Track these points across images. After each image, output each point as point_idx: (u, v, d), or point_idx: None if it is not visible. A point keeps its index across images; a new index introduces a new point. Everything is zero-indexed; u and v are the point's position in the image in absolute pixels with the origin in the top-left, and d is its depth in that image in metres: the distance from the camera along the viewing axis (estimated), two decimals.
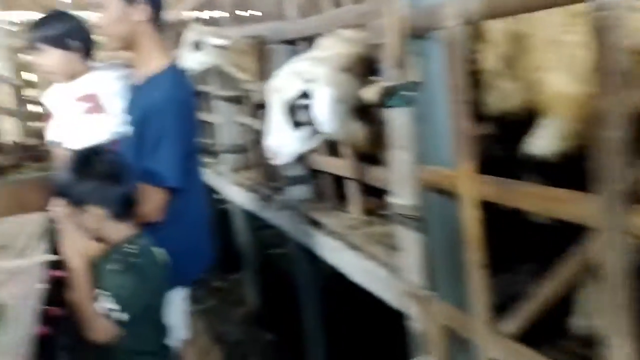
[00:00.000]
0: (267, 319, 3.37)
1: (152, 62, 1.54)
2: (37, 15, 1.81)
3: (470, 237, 1.15)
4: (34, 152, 4.46)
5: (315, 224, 2.20)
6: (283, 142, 1.53)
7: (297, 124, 1.53)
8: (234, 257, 3.64)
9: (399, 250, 1.55)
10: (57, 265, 1.43)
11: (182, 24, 4.38)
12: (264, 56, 2.44)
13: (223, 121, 3.38)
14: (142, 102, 1.51)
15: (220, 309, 3.60)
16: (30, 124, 5.78)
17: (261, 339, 3.22)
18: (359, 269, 1.83)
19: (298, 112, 1.52)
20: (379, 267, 1.72)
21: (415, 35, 1.20)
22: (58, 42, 1.64)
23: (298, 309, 2.66)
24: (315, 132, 1.55)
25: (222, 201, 4.03)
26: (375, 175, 1.81)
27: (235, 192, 3.30)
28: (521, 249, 1.62)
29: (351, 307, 2.89)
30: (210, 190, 4.02)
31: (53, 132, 1.78)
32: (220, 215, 4.12)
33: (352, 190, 2.02)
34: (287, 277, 3.61)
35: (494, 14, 1.05)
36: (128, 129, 1.60)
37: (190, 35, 2.75)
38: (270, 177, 2.79)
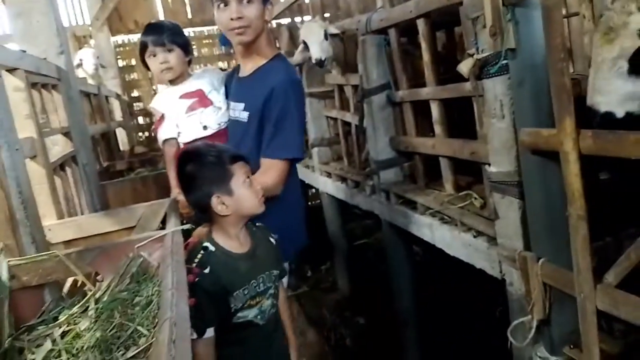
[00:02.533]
0: (358, 304, 3.49)
1: (263, 56, 1.73)
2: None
3: (573, 193, 1.18)
4: (142, 158, 4.97)
5: (409, 204, 2.29)
6: None
7: None
8: (324, 248, 3.81)
9: (497, 219, 1.60)
10: (188, 234, 1.64)
11: (272, 31, 4.71)
12: (354, 49, 2.57)
13: (310, 117, 3.57)
14: (258, 89, 1.69)
15: (313, 295, 3.78)
16: (139, 133, 6.44)
17: (354, 323, 3.35)
18: (456, 243, 1.89)
19: None
20: (477, 238, 1.78)
21: (511, 3, 1.27)
22: (183, 44, 1.89)
23: (388, 294, 2.74)
24: None
25: (313, 196, 4.23)
26: (468, 149, 1.87)
27: (325, 183, 3.47)
28: (620, 215, 1.60)
29: (444, 288, 2.93)
30: (306, 185, 4.24)
31: (166, 130, 2.00)
32: (311, 209, 4.33)
33: (445, 168, 2.08)
34: (376, 265, 3.72)
35: None
36: (241, 115, 1.80)
37: (317, 26, 2.81)
38: (360, 165, 2.92)
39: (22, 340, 1.35)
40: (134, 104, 6.72)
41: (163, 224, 2.06)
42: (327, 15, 4.00)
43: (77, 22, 6.82)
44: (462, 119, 2.06)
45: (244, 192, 1.42)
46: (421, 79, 2.20)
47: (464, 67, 1.49)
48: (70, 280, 1.58)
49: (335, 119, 3.36)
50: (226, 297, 1.42)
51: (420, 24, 2.00)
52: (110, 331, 1.15)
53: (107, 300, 1.32)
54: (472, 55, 1.46)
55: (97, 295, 1.41)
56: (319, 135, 3.52)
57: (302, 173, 3.99)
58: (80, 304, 1.42)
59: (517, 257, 1.47)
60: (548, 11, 1.14)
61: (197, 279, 1.40)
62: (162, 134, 1.97)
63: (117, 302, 1.30)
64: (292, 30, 4.48)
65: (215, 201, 1.40)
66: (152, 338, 1.03)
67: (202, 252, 1.44)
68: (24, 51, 2.43)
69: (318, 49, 2.67)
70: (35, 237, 1.73)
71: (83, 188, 2.68)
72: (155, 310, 1.18)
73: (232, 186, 1.41)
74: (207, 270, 1.40)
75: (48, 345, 1.24)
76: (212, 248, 1.45)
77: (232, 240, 1.48)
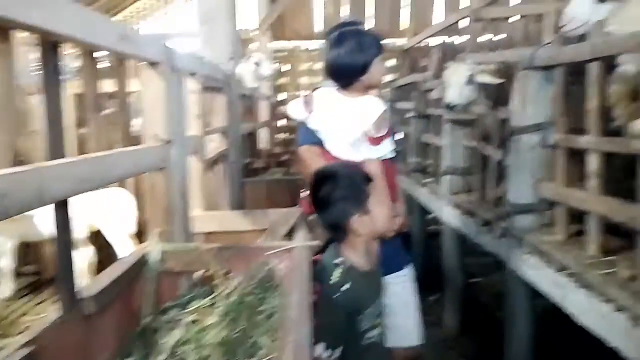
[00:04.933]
0: (464, 345, 3.31)
1: None
2: (298, 44, 2.21)
3: None
4: (279, 158, 5.31)
5: (541, 255, 2.12)
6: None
7: None
8: (437, 278, 3.69)
9: None
10: (315, 251, 1.72)
11: (421, 50, 4.70)
12: (509, 82, 2.46)
13: (448, 143, 3.48)
14: None
15: None
16: (277, 135, 6.91)
17: None
18: (591, 313, 1.71)
19: None
20: (618, 313, 1.58)
21: None
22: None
23: (499, 344, 2.56)
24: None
25: (434, 221, 4.12)
26: (623, 212, 1.67)
27: (451, 213, 3.36)
28: None
29: (566, 351, 2.65)
30: (424, 210, 4.16)
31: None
32: (430, 235, 4.21)
33: (593, 226, 1.89)
34: (489, 308, 3.49)
35: None
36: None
37: (463, 69, 2.73)
38: (493, 203, 2.78)
39: (158, 321, 1.54)
40: (278, 107, 7.21)
41: (291, 232, 2.20)
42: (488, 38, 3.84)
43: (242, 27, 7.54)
44: (615, 172, 1.86)
45: (380, 211, 1.46)
46: (580, 123, 2.02)
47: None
48: (201, 271, 1.76)
49: (471, 149, 3.24)
50: (359, 315, 1.48)
51: (594, 68, 1.84)
52: (235, 333, 1.26)
53: (236, 301, 1.45)
54: None
55: (226, 293, 1.56)
56: (453, 163, 3.43)
57: (426, 198, 3.91)
58: (211, 297, 1.58)
59: None
60: None
61: (336, 295, 1.46)
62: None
63: (243, 305, 1.42)
64: (446, 50, 4.41)
65: (354, 220, 1.46)
66: (272, 352, 1.12)
67: (340, 268, 1.50)
68: (203, 57, 2.75)
69: (455, 93, 2.60)
70: (185, 227, 1.97)
71: (227, 183, 2.97)
72: (277, 323, 1.27)
73: (369, 205, 1.46)
74: (346, 287, 1.47)
75: (179, 332, 1.40)
76: (347, 265, 1.51)
77: (361, 258, 1.53)
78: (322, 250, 1.68)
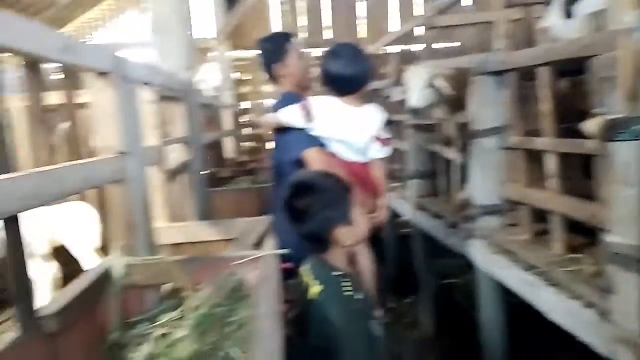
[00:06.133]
0: (441, 346, 3.34)
1: None
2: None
3: None
4: (246, 166, 5.25)
5: (509, 254, 2.16)
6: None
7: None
8: (409, 281, 3.72)
9: (611, 292, 1.46)
10: (283, 259, 1.69)
11: (379, 58, 4.78)
12: (464, 87, 2.51)
13: (412, 147, 3.52)
14: None
15: (394, 329, 3.69)
16: (242, 143, 6.84)
17: None
18: (560, 309, 1.75)
19: None
20: (585, 308, 1.62)
21: None
22: None
23: (475, 343, 2.60)
24: None
25: (403, 225, 4.15)
26: (586, 210, 1.73)
27: (419, 217, 3.39)
28: None
29: (539, 346, 2.71)
30: (394, 214, 4.19)
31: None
32: (402, 238, 4.25)
33: (556, 225, 1.94)
34: (462, 308, 3.54)
35: None
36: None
37: (418, 71, 2.79)
38: (459, 205, 2.82)
39: (126, 337, 1.48)
40: (242, 116, 7.14)
41: (260, 241, 2.16)
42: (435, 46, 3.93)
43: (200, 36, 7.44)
44: (573, 171, 1.92)
45: (361, 221, 1.45)
46: (535, 125, 2.09)
47: (591, 127, 1.38)
48: (168, 284, 1.70)
49: (434, 153, 3.29)
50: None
51: (544, 72, 1.90)
52: (207, 346, 1.21)
53: (205, 313, 1.40)
54: (597, 115, 1.36)
55: (195, 305, 1.50)
56: (417, 167, 3.47)
57: (395, 202, 3.94)
58: (179, 310, 1.53)
59: (632, 341, 1.32)
60: None
61: (355, 307, 1.44)
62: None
63: (213, 317, 1.37)
64: (404, 57, 4.49)
65: (338, 231, 1.43)
66: None
67: (345, 278, 1.47)
68: (158, 67, 2.69)
69: (416, 96, 2.66)
70: (149, 240, 1.90)
71: (192, 194, 2.89)
72: (247, 334, 1.23)
73: (352, 216, 1.44)
74: (359, 295, 1.45)
75: (148, 347, 1.34)
76: (350, 274, 1.50)
77: (347, 267, 1.52)
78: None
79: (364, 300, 1.46)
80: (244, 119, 6.98)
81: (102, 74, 1.64)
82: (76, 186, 1.41)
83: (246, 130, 6.98)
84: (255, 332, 1.10)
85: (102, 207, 2.94)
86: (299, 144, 1.97)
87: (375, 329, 1.48)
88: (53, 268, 2.76)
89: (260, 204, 3.67)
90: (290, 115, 2.01)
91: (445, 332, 3.42)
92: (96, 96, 1.67)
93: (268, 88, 7.10)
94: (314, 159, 1.94)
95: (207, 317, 1.37)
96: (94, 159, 1.62)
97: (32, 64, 1.72)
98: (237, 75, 7.08)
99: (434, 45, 4.18)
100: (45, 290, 2.57)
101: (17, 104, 2.94)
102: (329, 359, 1.35)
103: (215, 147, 4.99)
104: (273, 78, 2.23)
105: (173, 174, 2.59)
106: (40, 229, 2.58)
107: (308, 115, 2.00)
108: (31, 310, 1.16)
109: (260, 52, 2.24)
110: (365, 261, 1.75)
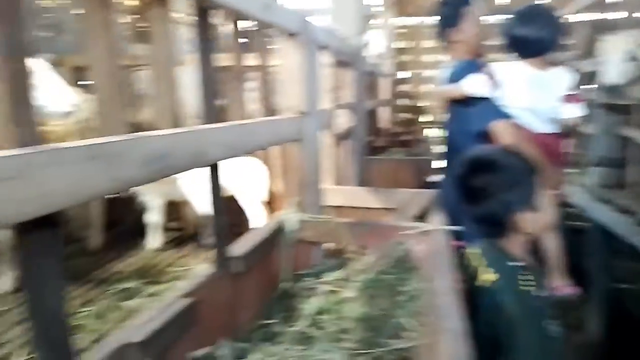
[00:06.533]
0: (607, 354, 2.98)
1: None
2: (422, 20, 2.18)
3: None
4: (400, 137, 5.18)
5: None
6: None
7: None
8: (579, 278, 3.34)
9: None
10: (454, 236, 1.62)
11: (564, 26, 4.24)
12: None
13: (600, 131, 3.09)
14: None
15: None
16: (398, 114, 6.76)
17: None
18: None
19: None
20: None
21: None
22: None
23: None
24: None
25: (574, 216, 3.73)
26: None
27: (599, 210, 2.99)
28: None
29: None
30: (565, 204, 3.77)
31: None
32: (571, 231, 3.83)
33: None
34: (636, 317, 3.08)
35: None
36: None
37: (617, 42, 2.57)
38: None
39: (295, 287, 1.57)
40: (399, 85, 7.00)
41: (422, 214, 2.11)
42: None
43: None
44: None
45: (546, 208, 1.30)
46: None
47: None
48: (331, 244, 1.76)
49: (627, 139, 2.83)
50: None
51: None
52: (380, 310, 1.22)
53: (373, 278, 1.41)
54: None
55: (360, 268, 1.53)
56: (603, 153, 3.03)
57: (568, 190, 3.53)
58: (343, 271, 1.57)
59: None
60: None
61: (537, 305, 1.34)
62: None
63: (382, 283, 1.37)
64: (595, 26, 3.91)
65: (520, 217, 1.30)
66: (421, 336, 1.06)
67: (524, 271, 1.36)
68: (335, 31, 2.73)
69: (613, 71, 2.30)
70: (317, 199, 1.98)
71: (353, 160, 2.94)
72: (421, 306, 1.20)
73: (536, 200, 1.30)
74: (545, 293, 1.33)
75: (317, 301, 1.40)
76: (532, 267, 1.38)
77: (526, 258, 1.39)
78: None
79: (543, 298, 1.30)
80: (401, 88, 6.84)
81: (292, 34, 1.71)
82: (267, 141, 1.51)
83: (402, 101, 6.84)
84: (432, 307, 1.06)
85: (268, 165, 3.12)
86: (484, 115, 1.80)
87: (553, 330, 1.33)
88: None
89: (415, 176, 3.60)
90: (476, 85, 1.84)
91: (613, 340, 3.03)
92: (285, 57, 1.76)
93: (429, 57, 6.83)
94: (503, 132, 1.75)
95: (375, 282, 1.38)
96: (280, 116, 1.72)
97: (234, 22, 1.90)
98: (399, 43, 6.91)
99: (637, 14, 3.56)
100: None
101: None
102: (499, 351, 1.25)
103: (371, 116, 5.00)
104: (447, 44, 2.09)
105: (339, 139, 2.65)
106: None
107: (493, 83, 1.84)
108: (224, 250, 1.28)
109: (436, 16, 2.12)
110: (554, 252, 1.57)
